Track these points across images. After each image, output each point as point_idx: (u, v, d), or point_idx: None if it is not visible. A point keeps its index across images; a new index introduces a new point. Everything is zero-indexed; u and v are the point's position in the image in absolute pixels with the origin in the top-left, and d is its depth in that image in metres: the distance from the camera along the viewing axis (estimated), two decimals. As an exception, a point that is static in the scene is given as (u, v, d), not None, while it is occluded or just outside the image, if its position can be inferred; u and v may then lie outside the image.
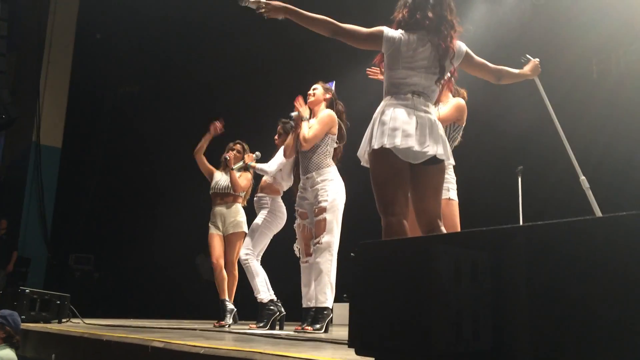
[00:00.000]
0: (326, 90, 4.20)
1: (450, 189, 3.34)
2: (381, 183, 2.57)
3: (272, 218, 4.64)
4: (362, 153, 2.66)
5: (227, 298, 4.90)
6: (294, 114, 4.18)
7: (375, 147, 2.52)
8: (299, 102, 4.13)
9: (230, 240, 5.02)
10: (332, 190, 3.89)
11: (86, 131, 10.00)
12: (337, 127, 4.04)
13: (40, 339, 3.67)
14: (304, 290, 4.03)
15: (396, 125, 2.51)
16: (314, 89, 4.22)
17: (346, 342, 1.89)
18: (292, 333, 3.55)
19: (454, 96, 3.53)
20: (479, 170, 7.16)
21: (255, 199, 4.86)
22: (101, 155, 10.17)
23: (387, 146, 2.49)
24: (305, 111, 4.07)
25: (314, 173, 3.96)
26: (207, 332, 3.49)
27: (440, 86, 2.71)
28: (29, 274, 8.19)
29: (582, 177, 3.56)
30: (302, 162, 4.08)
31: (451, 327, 1.55)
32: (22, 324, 3.78)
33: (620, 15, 6.18)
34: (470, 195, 7.09)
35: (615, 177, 5.64)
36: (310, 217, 4.02)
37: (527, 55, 3.26)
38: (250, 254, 4.54)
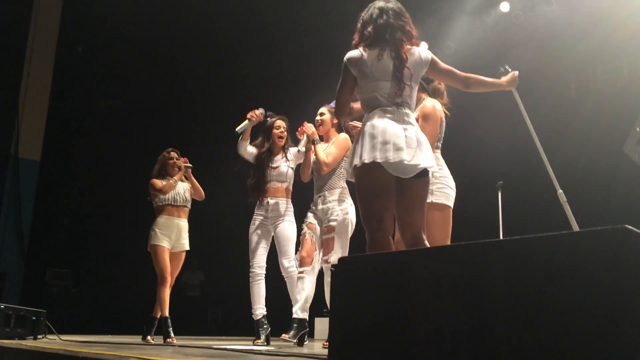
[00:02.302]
0: (333, 114, 4.28)
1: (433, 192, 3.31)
2: (368, 197, 2.58)
3: (295, 224, 4.58)
4: (349, 167, 2.68)
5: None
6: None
7: (366, 161, 2.52)
8: (307, 127, 4.23)
9: (180, 258, 4.98)
10: (343, 211, 4.04)
11: (66, 144, 9.88)
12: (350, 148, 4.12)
13: (15, 356, 3.58)
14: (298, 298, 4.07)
15: (386, 139, 2.53)
16: (320, 115, 4.32)
17: (326, 357, 1.87)
18: (271, 348, 3.52)
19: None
20: (459, 185, 7.20)
21: (272, 202, 4.51)
22: (81, 169, 10.05)
23: (379, 160, 2.51)
24: (314, 134, 4.25)
25: (326, 192, 4.11)
26: (186, 348, 3.44)
27: (415, 94, 2.75)
28: (4, 290, 8.03)
29: (560, 191, 3.61)
30: (317, 181, 4.26)
31: (431, 342, 1.55)
32: (-5, 340, 3.69)
33: (598, 34, 6.30)
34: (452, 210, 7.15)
35: (596, 192, 5.72)
36: (316, 231, 4.14)
37: (507, 67, 3.31)
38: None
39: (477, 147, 7.13)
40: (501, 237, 5.35)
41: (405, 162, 2.51)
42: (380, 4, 2.79)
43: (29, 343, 4.00)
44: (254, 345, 4.11)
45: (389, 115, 2.61)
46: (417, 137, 2.61)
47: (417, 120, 3.02)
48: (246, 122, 4.48)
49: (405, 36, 2.71)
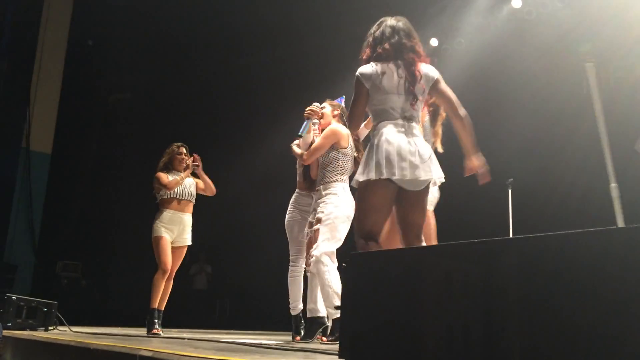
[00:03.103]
0: (334, 107, 4.24)
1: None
2: (372, 210, 2.75)
3: None
4: (356, 179, 2.80)
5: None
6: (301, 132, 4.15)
7: (385, 176, 2.67)
8: (308, 109, 4.17)
9: (181, 253, 4.98)
10: (332, 203, 3.91)
11: (77, 138, 9.94)
12: (346, 140, 4.03)
13: (27, 347, 3.62)
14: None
15: (403, 157, 2.70)
16: (321, 108, 4.27)
17: (337, 352, 1.88)
18: (281, 343, 3.53)
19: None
20: (470, 183, 7.19)
21: (299, 196, 4.38)
22: (91, 162, 10.11)
23: (397, 177, 2.67)
24: (313, 114, 4.18)
25: (321, 187, 4.03)
26: (196, 342, 3.47)
27: (420, 109, 2.90)
28: (16, 281, 8.10)
29: (613, 185, 3.61)
30: (318, 176, 4.14)
31: (442, 339, 1.55)
32: (8, 331, 3.73)
33: (610, 31, 6.25)
34: (461, 207, 7.14)
35: (607, 190, 5.68)
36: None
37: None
38: None
39: (488, 144, 7.08)
40: (511, 235, 5.34)
41: (421, 178, 2.71)
42: (392, 22, 2.94)
43: (40, 334, 4.04)
44: (294, 341, 4.04)
45: (401, 130, 2.77)
46: (427, 151, 2.78)
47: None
48: (305, 122, 4.36)
49: (416, 55, 2.88)
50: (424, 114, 3.64)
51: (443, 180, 2.92)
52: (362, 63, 2.92)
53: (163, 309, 4.91)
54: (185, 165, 5.04)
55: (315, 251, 3.77)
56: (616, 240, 1.27)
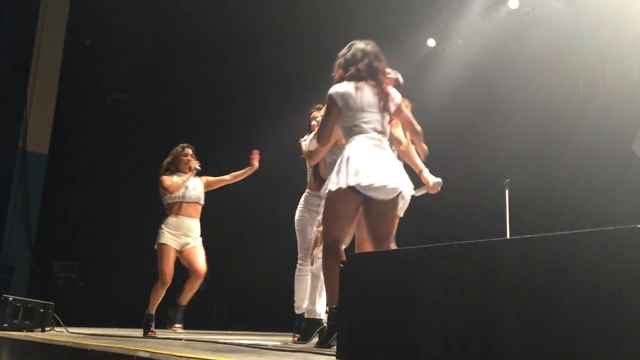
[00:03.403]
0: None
1: None
2: (338, 218, 2.96)
3: None
4: (328, 188, 2.97)
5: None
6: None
7: (352, 183, 2.84)
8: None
9: (197, 251, 4.85)
10: None
11: (74, 138, 9.91)
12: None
13: (23, 348, 3.61)
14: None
15: (372, 165, 2.87)
16: (317, 108, 4.27)
17: (334, 353, 1.88)
18: (279, 344, 3.53)
19: None
20: (467, 183, 7.20)
21: (309, 196, 4.29)
22: (88, 163, 10.08)
23: (364, 184, 2.83)
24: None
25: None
26: (193, 342, 3.46)
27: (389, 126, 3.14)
28: (12, 282, 8.08)
29: None
30: (326, 175, 4.12)
31: (440, 339, 1.55)
32: (5, 332, 3.72)
33: (607, 32, 6.27)
34: (458, 208, 7.15)
35: (605, 191, 5.70)
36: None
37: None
38: None
39: (485, 145, 7.11)
40: (508, 236, 5.35)
41: (389, 186, 2.87)
42: (361, 45, 3.19)
43: (37, 335, 4.03)
44: (294, 342, 4.00)
45: (373, 142, 2.96)
46: (396, 163, 3.00)
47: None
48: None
49: (385, 78, 3.15)
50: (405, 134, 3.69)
51: (413, 193, 3.13)
52: (334, 82, 3.15)
53: (185, 303, 4.81)
54: (188, 168, 4.82)
55: (318, 253, 3.79)
56: (614, 241, 1.27)
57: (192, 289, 4.82)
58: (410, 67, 8.11)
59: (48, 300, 4.70)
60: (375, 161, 2.89)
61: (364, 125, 3.00)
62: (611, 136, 5.96)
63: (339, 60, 3.21)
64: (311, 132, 4.13)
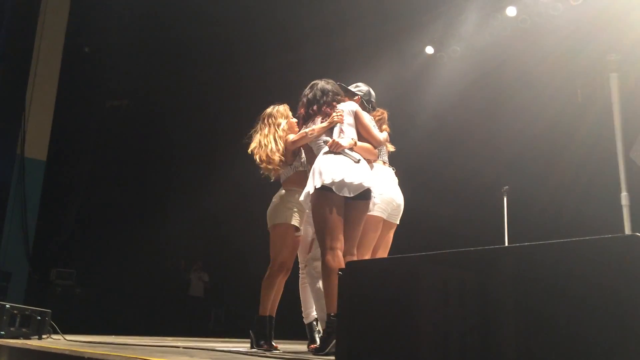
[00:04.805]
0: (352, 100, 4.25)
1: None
2: (323, 218, 3.13)
3: None
4: (306, 198, 3.25)
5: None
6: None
7: (317, 185, 3.12)
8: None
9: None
10: None
11: (72, 145, 9.91)
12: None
13: (20, 356, 3.59)
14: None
15: (336, 166, 3.15)
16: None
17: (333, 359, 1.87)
18: (277, 352, 3.51)
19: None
20: (465, 191, 7.20)
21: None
22: (87, 170, 10.07)
23: (333, 180, 3.09)
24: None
25: None
26: (191, 350, 3.45)
27: (354, 133, 3.41)
28: (9, 289, 8.05)
29: (624, 193, 3.73)
30: None
31: (438, 346, 1.55)
32: (1, 340, 3.70)
33: (604, 40, 6.29)
34: (456, 215, 7.14)
35: (603, 199, 5.69)
36: None
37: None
38: None
39: (483, 152, 7.12)
40: (506, 243, 5.34)
41: (355, 183, 3.11)
42: (321, 85, 3.57)
43: (34, 343, 4.01)
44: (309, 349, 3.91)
45: (333, 153, 3.25)
46: (361, 164, 3.20)
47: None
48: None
49: (332, 108, 3.47)
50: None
51: (380, 194, 3.37)
52: (299, 118, 3.64)
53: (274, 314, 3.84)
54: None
55: (309, 256, 3.78)
56: (613, 249, 1.27)
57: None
58: (409, 74, 8.13)
59: (45, 307, 4.68)
60: (339, 162, 3.18)
61: (324, 145, 3.35)
62: (609, 143, 5.97)
63: (302, 100, 3.60)
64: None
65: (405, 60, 8.20)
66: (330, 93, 3.54)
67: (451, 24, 7.85)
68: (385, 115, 4.05)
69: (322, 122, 3.46)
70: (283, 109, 3.92)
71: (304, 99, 3.60)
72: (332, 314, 2.96)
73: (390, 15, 7.70)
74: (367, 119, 3.57)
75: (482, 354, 1.47)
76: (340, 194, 3.13)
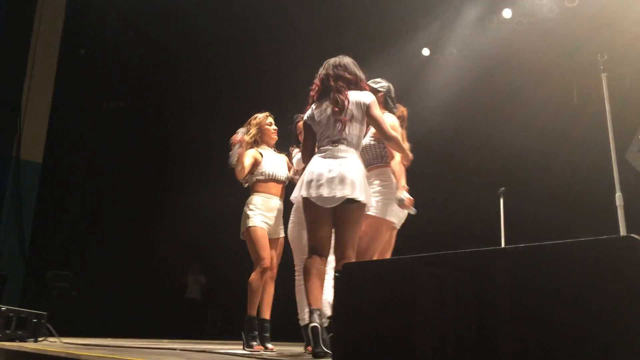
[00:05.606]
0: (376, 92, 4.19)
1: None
2: (307, 223, 3.15)
3: None
4: (295, 199, 3.27)
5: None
6: None
7: (295, 195, 3.17)
8: None
9: (280, 244, 4.34)
10: None
11: (68, 147, 9.89)
12: None
13: (16, 359, 3.58)
14: None
15: (312, 178, 3.07)
16: (301, 118, 4.24)
17: (329, 363, 1.87)
18: (273, 354, 3.51)
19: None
20: (461, 192, 7.22)
21: (299, 207, 3.94)
22: (83, 172, 10.05)
23: (304, 196, 3.08)
24: None
25: None
26: (188, 352, 3.44)
27: (361, 131, 3.19)
28: (5, 291, 8.02)
29: (618, 194, 3.75)
30: None
31: (435, 348, 1.55)
32: (-4, 342, 3.69)
33: (599, 42, 6.32)
34: (453, 216, 7.15)
35: (598, 200, 5.71)
36: None
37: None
38: None
39: (479, 154, 7.14)
40: (503, 244, 5.35)
41: (324, 195, 3.00)
42: (332, 61, 3.30)
43: (30, 345, 3.99)
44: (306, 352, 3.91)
45: (322, 155, 3.13)
46: (340, 173, 3.02)
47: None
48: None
49: (345, 83, 3.19)
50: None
51: (362, 199, 3.07)
52: (311, 99, 3.35)
53: (269, 317, 4.16)
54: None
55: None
56: (608, 250, 1.27)
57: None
58: (405, 76, 8.14)
59: (41, 309, 4.66)
60: (318, 174, 3.06)
61: (322, 140, 3.18)
62: (605, 144, 5.99)
63: (315, 81, 3.35)
64: (299, 142, 4.08)
65: (401, 63, 8.21)
66: (339, 67, 3.23)
67: (447, 26, 7.88)
68: (406, 113, 3.79)
69: (332, 110, 3.15)
70: (261, 117, 4.15)
71: (317, 80, 3.31)
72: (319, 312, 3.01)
73: (386, 17, 7.72)
74: (386, 116, 3.39)
75: (478, 355, 1.48)
76: (319, 204, 3.05)
